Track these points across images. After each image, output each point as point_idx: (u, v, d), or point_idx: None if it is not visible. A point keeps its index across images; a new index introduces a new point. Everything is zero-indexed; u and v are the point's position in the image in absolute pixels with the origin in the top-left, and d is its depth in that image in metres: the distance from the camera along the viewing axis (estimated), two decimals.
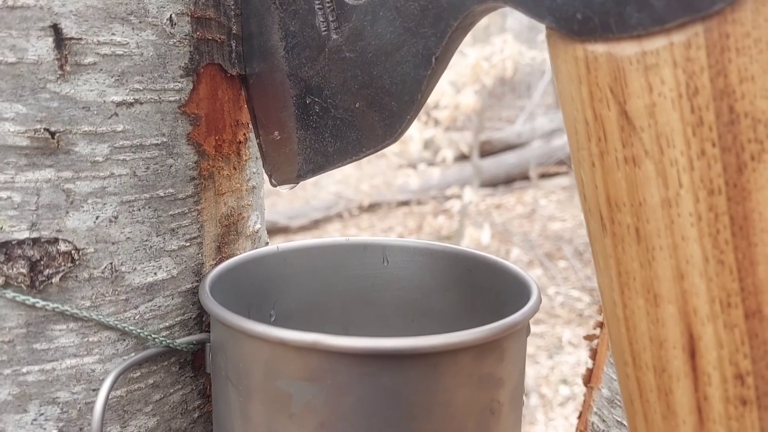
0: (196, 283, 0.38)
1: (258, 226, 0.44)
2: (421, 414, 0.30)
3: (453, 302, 0.44)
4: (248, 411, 0.32)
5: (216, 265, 0.39)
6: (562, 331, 2.44)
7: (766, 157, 0.27)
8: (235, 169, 0.40)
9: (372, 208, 4.21)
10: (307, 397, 0.30)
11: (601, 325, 0.63)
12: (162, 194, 0.36)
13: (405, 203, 4.21)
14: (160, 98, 0.35)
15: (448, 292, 0.45)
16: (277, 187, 0.41)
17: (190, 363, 0.38)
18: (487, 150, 4.24)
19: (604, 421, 0.58)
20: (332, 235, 3.59)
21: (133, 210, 0.34)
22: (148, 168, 0.35)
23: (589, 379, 0.64)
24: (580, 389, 2.03)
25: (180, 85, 0.36)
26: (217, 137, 0.38)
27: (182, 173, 0.36)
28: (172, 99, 0.36)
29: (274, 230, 3.47)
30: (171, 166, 0.36)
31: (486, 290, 0.43)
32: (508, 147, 4.40)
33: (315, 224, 3.80)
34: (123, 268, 0.34)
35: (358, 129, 0.37)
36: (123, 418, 0.35)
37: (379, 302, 0.46)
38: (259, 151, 0.40)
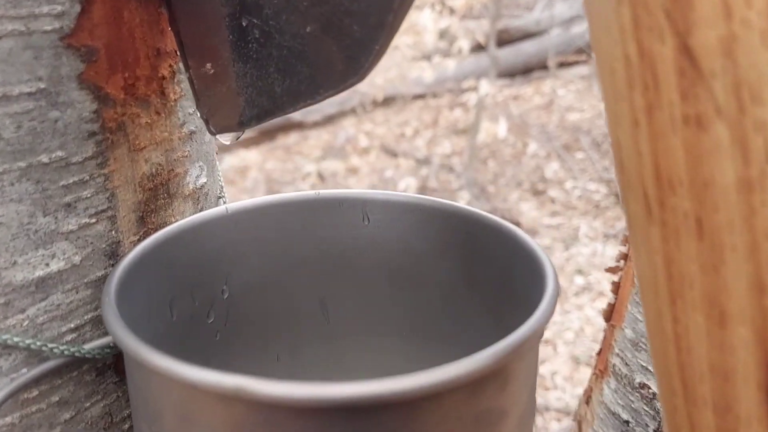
0: (112, 268, 0.30)
1: (202, 180, 0.35)
2: None
3: (449, 270, 0.36)
4: None
5: (139, 241, 0.31)
6: (579, 222, 2.39)
7: None
8: (158, 113, 0.30)
9: (387, 102, 4.06)
10: None
11: (625, 257, 0.55)
12: (46, 160, 0.26)
13: (420, 96, 4.05)
14: (28, 28, 0.25)
15: (443, 258, 0.36)
16: (218, 137, 0.31)
17: (112, 367, 0.30)
18: (505, 39, 4.00)
19: (627, 364, 0.51)
20: (347, 130, 3.49)
21: (3, 185, 0.25)
22: (19, 127, 0.25)
23: (610, 315, 0.56)
24: (595, 278, 2.01)
25: (60, 7, 0.25)
26: (126, 75, 0.28)
27: (75, 129, 0.27)
28: (48, 28, 0.25)
29: (289, 126, 3.37)
30: (57, 121, 0.26)
31: (489, 259, 0.34)
32: (526, 35, 4.16)
33: (329, 119, 3.68)
34: None
35: (311, 62, 0.27)
36: None
37: (360, 269, 0.38)
38: (191, 89, 0.30)
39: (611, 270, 0.57)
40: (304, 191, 0.37)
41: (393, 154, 3.05)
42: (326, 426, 0.21)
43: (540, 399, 1.46)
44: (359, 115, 3.81)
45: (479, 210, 0.34)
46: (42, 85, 0.25)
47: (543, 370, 1.57)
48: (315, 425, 0.22)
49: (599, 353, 0.56)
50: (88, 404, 0.29)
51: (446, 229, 0.35)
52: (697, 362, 0.22)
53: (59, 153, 0.27)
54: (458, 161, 3.02)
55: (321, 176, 2.66)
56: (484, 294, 0.34)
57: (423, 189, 2.67)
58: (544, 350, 1.65)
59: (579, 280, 2.06)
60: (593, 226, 2.40)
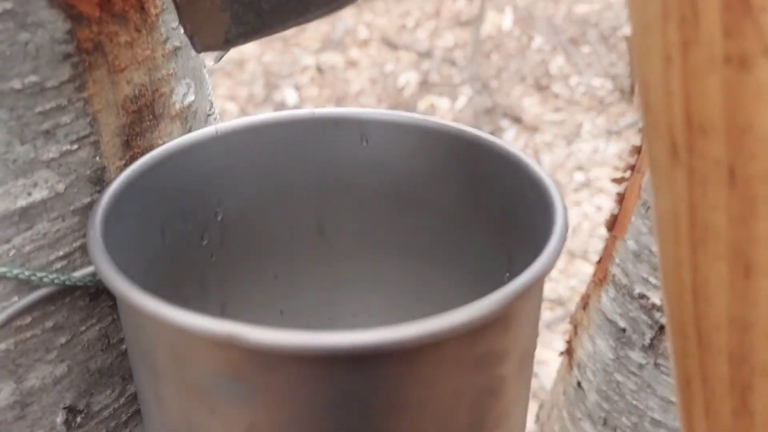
0: (98, 194, 0.28)
1: (190, 98, 0.33)
2: (394, 415, 0.22)
3: (450, 194, 0.34)
4: (162, 395, 0.24)
5: (125, 166, 0.29)
6: (582, 119, 2.36)
7: None
8: (138, 30, 0.28)
9: None
10: (229, 395, 0.22)
11: (631, 168, 0.54)
12: (18, 86, 0.24)
13: None
14: None
15: (445, 181, 0.34)
16: (202, 56, 0.29)
17: (105, 291, 0.30)
18: None
19: (627, 275, 0.51)
20: (346, 21, 3.34)
21: None
22: None
23: (612, 225, 0.56)
24: (595, 175, 2.02)
25: None
26: None
27: (48, 51, 0.25)
28: None
29: None
30: (27, 44, 0.24)
31: (494, 185, 0.32)
32: None
33: None
34: None
35: None
36: (16, 373, 0.27)
37: (358, 190, 0.36)
38: (173, 3, 0.27)
39: (617, 180, 0.56)
40: (299, 110, 0.35)
41: (393, 47, 2.94)
42: (323, 374, 0.21)
43: None
44: (359, 4, 3.64)
45: (485, 134, 0.33)
46: (7, 5, 0.23)
47: None
48: (311, 373, 0.21)
49: (599, 262, 0.56)
50: (83, 328, 0.29)
51: (449, 152, 0.34)
52: (715, 312, 0.21)
53: (33, 78, 0.24)
54: (461, 55, 2.91)
55: (320, 69, 2.57)
56: (488, 220, 0.33)
57: (424, 84, 2.60)
58: None
59: (579, 177, 2.06)
60: (596, 122, 2.36)
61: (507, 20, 2.97)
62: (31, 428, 0.28)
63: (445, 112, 2.46)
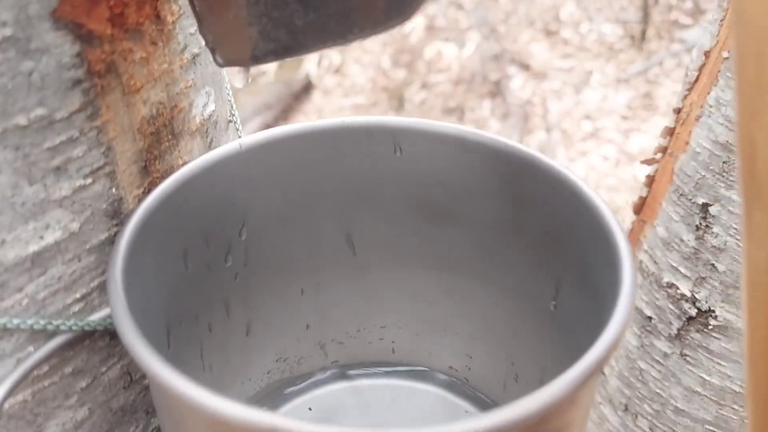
0: (115, 227, 0.26)
1: (211, 108, 0.30)
2: None
3: (490, 210, 0.32)
4: None
5: (144, 194, 0.26)
6: (591, 66, 2.30)
7: None
8: (154, 44, 0.25)
9: None
10: None
11: (663, 150, 0.51)
12: (24, 122, 0.21)
13: None
14: None
15: (484, 197, 0.32)
16: (224, 70, 0.26)
17: None
18: None
19: (655, 262, 0.50)
20: None
21: None
22: None
23: (641, 209, 0.54)
24: (603, 125, 1.98)
25: None
26: (111, 2, 0.22)
27: (55, 79, 0.21)
28: None
29: None
30: (31, 74, 0.21)
31: (539, 206, 0.30)
32: None
33: None
34: None
35: None
36: (35, 422, 0.26)
37: (390, 203, 0.34)
38: (192, 11, 0.24)
39: (647, 162, 0.53)
40: (328, 119, 0.32)
41: None
42: None
43: None
44: None
45: (532, 150, 0.30)
46: (7, 32, 0.20)
47: None
48: None
49: None
50: (104, 369, 0.27)
51: (490, 166, 0.31)
52: None
53: (39, 111, 0.21)
54: None
55: None
56: (532, 241, 0.31)
57: (430, 29, 2.52)
58: None
59: (586, 126, 2.02)
60: (606, 70, 2.30)
61: None
62: None
63: (452, 59, 2.39)
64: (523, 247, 0.32)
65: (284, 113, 1.93)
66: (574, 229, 0.28)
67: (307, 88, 2.07)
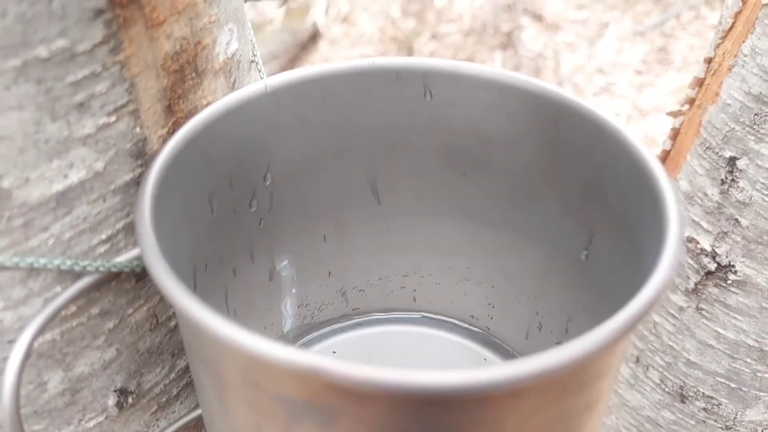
0: (140, 168, 0.25)
1: (234, 47, 0.28)
2: None
3: (524, 159, 0.31)
4: (228, 405, 0.22)
5: (168, 135, 0.26)
6: (607, 18, 2.24)
7: None
8: None
9: None
10: (307, 418, 0.20)
11: (691, 102, 0.50)
12: (45, 54, 0.20)
13: None
14: None
15: (518, 144, 0.31)
16: (246, 5, 0.24)
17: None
18: None
19: None
20: None
21: (5, 88, 0.20)
22: (4, 15, 0.19)
23: (664, 162, 0.53)
24: (616, 78, 1.94)
25: None
26: None
27: (76, 9, 0.20)
28: None
29: None
30: (51, 2, 0.20)
31: (578, 154, 0.29)
32: None
33: None
34: (5, 184, 0.21)
35: None
36: (64, 361, 0.25)
37: (418, 149, 0.33)
38: None
39: (673, 114, 0.52)
40: (356, 60, 0.31)
41: None
42: (413, 412, 0.19)
43: None
44: None
45: (574, 96, 0.29)
46: None
47: None
48: (399, 409, 0.19)
49: None
50: (130, 310, 0.27)
51: (526, 112, 0.30)
52: None
53: (61, 42, 0.20)
54: None
55: None
56: (568, 190, 0.30)
57: None
58: None
59: (599, 80, 1.99)
60: (621, 22, 2.24)
61: None
62: (83, 413, 0.27)
63: (463, 8, 2.33)
64: (556, 195, 0.31)
65: (291, 63, 1.90)
66: (614, 176, 0.27)
67: (314, 37, 2.02)
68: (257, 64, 0.32)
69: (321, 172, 0.32)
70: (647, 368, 0.54)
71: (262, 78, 0.32)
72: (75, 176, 0.23)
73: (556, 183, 0.30)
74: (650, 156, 0.26)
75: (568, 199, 0.30)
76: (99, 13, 0.21)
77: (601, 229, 0.29)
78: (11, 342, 0.24)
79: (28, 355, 0.23)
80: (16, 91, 0.20)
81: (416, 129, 0.32)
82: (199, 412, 0.31)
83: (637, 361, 0.55)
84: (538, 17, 2.35)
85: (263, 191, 0.31)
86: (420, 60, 0.31)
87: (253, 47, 0.32)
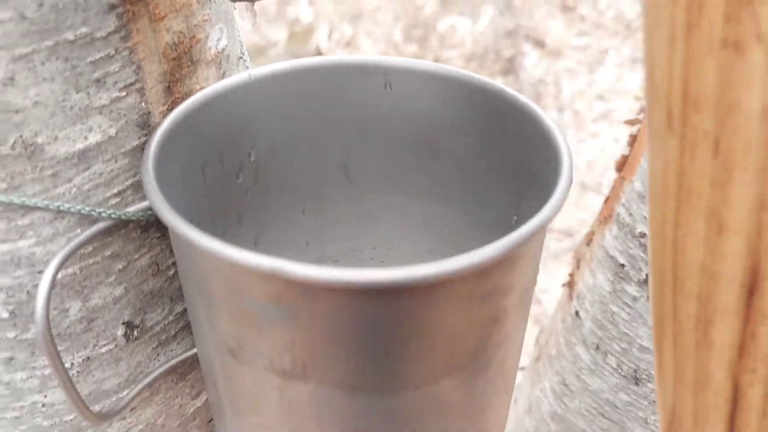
0: (145, 137, 0.31)
1: (223, 43, 0.35)
2: (409, 338, 0.26)
3: (467, 141, 0.37)
4: (214, 318, 0.28)
5: (168, 111, 0.32)
6: (608, 44, 2.30)
7: None
8: None
9: None
10: (274, 318, 0.25)
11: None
12: (71, 37, 0.26)
13: None
14: None
15: (463, 129, 0.36)
16: (234, 12, 0.31)
17: (154, 224, 0.33)
18: None
19: (631, 214, 0.54)
20: None
21: (35, 65, 0.26)
22: (41, 5, 0.25)
23: (623, 167, 0.59)
24: (616, 106, 1.99)
25: None
26: None
27: (96, 3, 0.27)
28: None
29: None
30: None
31: (508, 136, 0.35)
32: None
33: None
34: (39, 140, 0.27)
35: None
36: (82, 293, 0.31)
37: (382, 135, 0.38)
38: None
39: (630, 122, 0.58)
40: (327, 57, 0.37)
41: None
42: (352, 303, 0.24)
43: None
44: None
45: (505, 86, 0.34)
46: None
47: None
48: (342, 302, 0.24)
49: (606, 201, 0.58)
50: (137, 256, 0.33)
51: (469, 101, 0.36)
52: (690, 262, 0.24)
53: (84, 29, 0.27)
54: None
55: None
56: (501, 167, 0.36)
57: (444, 2, 2.53)
58: None
59: (599, 106, 2.03)
60: (621, 48, 2.30)
61: None
62: (97, 339, 0.32)
63: (465, 33, 2.40)
64: (493, 172, 0.36)
65: None
66: (534, 151, 0.33)
67: None
68: (245, 60, 0.38)
69: (299, 153, 0.38)
70: (606, 354, 0.59)
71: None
72: (93, 138, 0.29)
73: (494, 163, 0.36)
74: (558, 133, 0.31)
75: (504, 175, 0.36)
76: (113, 7, 0.27)
77: (526, 197, 0.34)
78: (40, 272, 0.30)
79: (53, 283, 0.28)
80: (48, 66, 0.26)
81: (379, 117, 0.38)
82: (192, 352, 0.37)
83: (597, 348, 0.60)
84: (540, 43, 2.40)
85: (248, 166, 0.37)
86: (382, 57, 0.37)
87: (242, 46, 0.38)
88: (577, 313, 0.62)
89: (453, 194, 0.39)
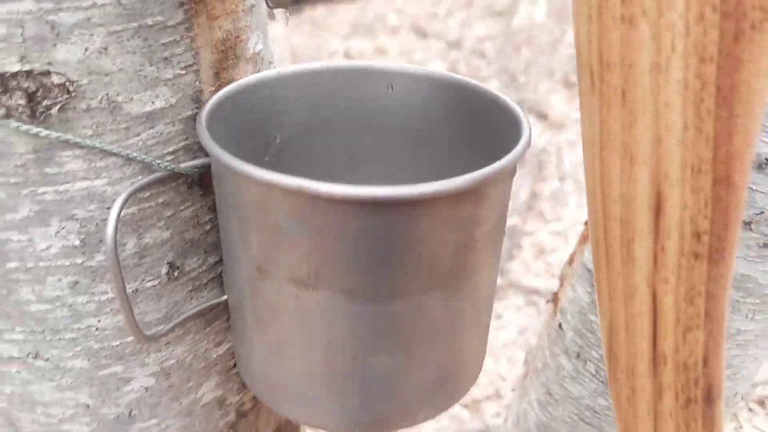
0: (196, 110, 0.39)
1: (259, 47, 0.43)
2: (400, 251, 0.33)
3: (453, 132, 0.45)
4: (247, 237, 0.35)
5: (215, 91, 0.40)
6: None
7: (767, 26, 0.25)
8: None
9: None
10: (295, 232, 0.33)
11: None
12: (150, 23, 0.35)
13: None
14: None
15: (451, 121, 0.45)
16: (273, 11, 0.39)
17: (198, 183, 0.41)
18: None
19: None
20: (376, 5, 3.42)
21: (123, 40, 0.34)
22: None
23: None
24: None
25: None
26: None
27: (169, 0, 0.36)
28: None
29: None
30: None
31: (484, 123, 0.43)
32: None
33: None
34: (119, 99, 0.35)
35: None
36: (138, 231, 0.39)
37: (384, 128, 0.47)
38: None
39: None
40: (341, 62, 0.46)
41: (423, 35, 3.00)
42: (357, 213, 0.32)
43: None
44: None
45: (480, 84, 0.43)
46: None
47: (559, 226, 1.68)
48: (349, 213, 0.32)
49: (586, 222, 0.65)
50: (182, 207, 0.40)
51: (456, 99, 0.44)
52: (613, 191, 0.32)
53: (159, 17, 0.35)
54: (491, 46, 2.95)
55: (347, 55, 2.66)
56: (479, 150, 0.44)
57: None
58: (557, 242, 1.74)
59: None
60: None
61: (540, 12, 3.01)
62: (145, 274, 0.40)
63: None
64: (476, 154, 0.44)
65: None
66: (505, 136, 0.41)
67: None
68: (274, 65, 0.47)
69: (315, 141, 0.47)
70: (585, 362, 0.64)
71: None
72: (158, 104, 0.37)
73: (476, 146, 0.44)
74: (523, 117, 0.39)
75: (481, 156, 0.44)
76: (182, 4, 0.36)
77: None
78: (108, 208, 0.37)
79: (119, 218, 0.36)
80: (132, 42, 0.35)
81: (382, 112, 0.46)
82: (218, 300, 0.44)
83: (578, 356, 0.65)
84: (543, 116, 2.50)
85: (274, 147, 0.45)
86: (384, 63, 0.46)
87: (272, 56, 0.47)
88: (560, 325, 0.68)
89: (444, 175, 0.47)
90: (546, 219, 1.92)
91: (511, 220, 2.41)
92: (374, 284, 0.33)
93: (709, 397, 0.35)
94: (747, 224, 0.50)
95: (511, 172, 0.37)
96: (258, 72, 0.44)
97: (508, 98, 0.41)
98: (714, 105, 0.27)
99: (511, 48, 3.14)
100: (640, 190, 0.31)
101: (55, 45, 0.32)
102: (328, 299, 0.34)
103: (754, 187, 0.48)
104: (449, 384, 0.40)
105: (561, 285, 0.71)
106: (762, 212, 0.49)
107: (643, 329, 0.34)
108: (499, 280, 2.19)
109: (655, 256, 0.32)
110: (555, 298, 0.71)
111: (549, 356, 0.70)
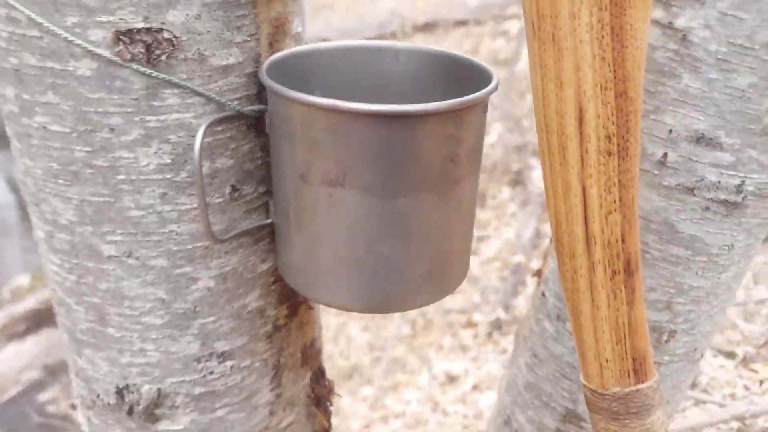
0: (256, 68, 0.54)
1: (299, 29, 0.58)
2: (402, 156, 0.47)
3: (445, 91, 0.59)
4: (294, 154, 0.49)
5: (269, 56, 0.55)
6: None
7: None
8: None
9: (428, 27, 4.15)
10: (330, 143, 0.47)
11: None
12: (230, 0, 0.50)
13: (462, 23, 4.14)
14: None
15: (445, 80, 0.59)
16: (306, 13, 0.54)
17: (254, 126, 0.55)
18: None
19: None
20: None
21: (211, 11, 0.49)
22: None
23: None
24: None
25: None
26: None
27: None
28: None
29: None
30: None
31: (468, 82, 0.57)
32: None
33: None
34: (206, 53, 0.50)
35: None
36: (211, 157, 0.53)
37: (395, 87, 0.61)
38: None
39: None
40: (360, 41, 0.61)
41: None
42: (373, 124, 0.46)
43: None
44: (398, 38, 3.94)
45: (467, 55, 0.57)
46: None
47: None
48: (368, 124, 0.46)
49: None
50: (243, 143, 0.54)
51: (446, 67, 0.59)
52: (551, 110, 0.45)
53: None
54: (496, 92, 3.10)
55: None
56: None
57: None
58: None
59: None
60: None
61: None
62: (215, 191, 0.53)
63: None
64: None
65: None
66: (480, 86, 0.55)
67: None
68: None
69: (344, 99, 0.61)
70: (565, 322, 0.75)
71: None
72: (231, 60, 0.51)
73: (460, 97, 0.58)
74: (492, 72, 0.53)
75: None
76: None
77: None
78: (193, 136, 0.51)
79: (202, 143, 0.50)
80: (217, 12, 0.49)
81: (393, 78, 0.61)
82: (263, 222, 0.57)
83: (558, 317, 0.76)
84: None
85: None
86: (394, 42, 0.60)
87: (306, 42, 0.62)
88: (543, 293, 0.78)
89: None
90: (551, 256, 2.02)
91: (516, 258, 2.51)
92: (383, 182, 0.47)
93: (629, 269, 0.47)
94: (690, 190, 0.60)
95: (483, 106, 0.50)
96: (299, 46, 0.59)
97: (483, 63, 0.56)
98: (611, 40, 0.41)
99: (515, 94, 3.30)
100: (569, 106, 0.44)
101: (167, 10, 0.47)
102: (352, 195, 0.47)
103: (694, 159, 0.58)
104: (440, 276, 0.53)
105: (546, 260, 0.81)
106: (702, 179, 0.59)
107: (577, 217, 0.47)
108: (504, 315, 2.28)
109: (582, 157, 0.45)
110: (539, 273, 0.81)
111: (534, 323, 0.80)
